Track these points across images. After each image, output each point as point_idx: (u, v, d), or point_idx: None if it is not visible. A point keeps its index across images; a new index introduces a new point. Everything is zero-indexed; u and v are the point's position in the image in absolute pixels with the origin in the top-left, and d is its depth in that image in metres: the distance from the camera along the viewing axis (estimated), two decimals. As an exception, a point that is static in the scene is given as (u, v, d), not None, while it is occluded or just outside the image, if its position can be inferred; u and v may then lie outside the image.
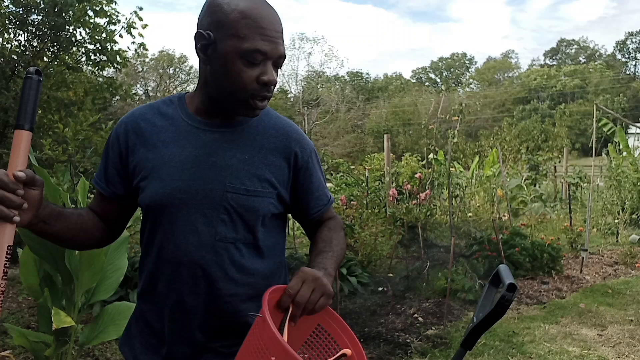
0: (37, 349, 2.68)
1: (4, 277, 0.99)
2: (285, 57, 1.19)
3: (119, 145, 1.23)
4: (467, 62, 56.63)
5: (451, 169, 7.06)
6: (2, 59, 7.13)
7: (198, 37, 1.15)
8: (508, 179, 10.38)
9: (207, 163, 1.18)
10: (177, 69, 37.61)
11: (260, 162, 1.21)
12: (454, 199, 7.50)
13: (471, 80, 54.38)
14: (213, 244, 1.17)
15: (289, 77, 43.45)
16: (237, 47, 1.11)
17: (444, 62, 56.74)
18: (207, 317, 1.20)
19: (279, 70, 1.19)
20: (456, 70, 56.49)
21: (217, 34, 1.12)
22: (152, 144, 1.21)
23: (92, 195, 1.36)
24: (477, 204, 9.07)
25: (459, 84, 53.46)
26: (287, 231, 1.41)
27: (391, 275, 5.67)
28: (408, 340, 4.03)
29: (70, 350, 2.67)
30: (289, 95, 43.41)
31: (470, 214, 7.89)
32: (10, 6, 7.20)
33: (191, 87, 39.95)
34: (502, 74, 54.82)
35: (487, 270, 5.58)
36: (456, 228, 6.61)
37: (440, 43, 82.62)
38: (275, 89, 1.21)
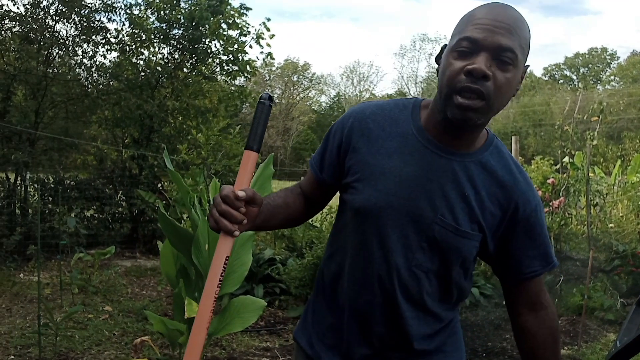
0: (172, 336, 2.92)
1: (219, 285, 1.07)
2: (511, 50, 1.02)
3: (342, 137, 1.22)
4: (607, 57, 51.49)
5: (590, 174, 6.44)
6: (148, 70, 7.94)
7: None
8: (658, 187, 9.20)
9: (425, 187, 1.13)
10: (301, 76, 39.03)
11: (477, 203, 1.13)
12: (592, 207, 6.83)
13: (612, 77, 49.32)
14: (409, 267, 1.15)
15: (408, 80, 42.92)
16: (452, 43, 1.07)
17: (581, 58, 52.20)
18: (387, 330, 1.20)
19: (507, 69, 1.04)
20: (595, 67, 51.61)
21: (449, 41, 1.12)
22: (375, 149, 1.17)
23: None
24: (620, 214, 8.18)
25: (599, 82, 48.81)
26: None
27: (518, 287, 5.32)
28: None
29: (200, 340, 2.86)
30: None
31: (611, 225, 7.13)
32: (155, 22, 7.99)
33: (312, 93, 41.18)
34: (651, 69, 49.03)
35: (631, 288, 5.00)
36: (595, 240, 6.01)
37: (576, 38, 75.98)
38: (496, 93, 1.03)
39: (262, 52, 8.65)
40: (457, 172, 1.13)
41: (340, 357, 1.23)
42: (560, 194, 6.54)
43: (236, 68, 8.31)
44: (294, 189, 1.33)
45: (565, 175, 6.71)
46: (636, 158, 10.46)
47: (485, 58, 1.02)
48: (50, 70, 7.43)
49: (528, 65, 1.14)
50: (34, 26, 7.02)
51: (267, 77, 35.15)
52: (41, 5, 7.09)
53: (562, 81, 50.35)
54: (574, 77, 51.73)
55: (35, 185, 7.06)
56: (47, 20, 7.21)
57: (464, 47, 1.04)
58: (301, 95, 38.75)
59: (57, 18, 7.21)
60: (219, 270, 1.06)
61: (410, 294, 1.16)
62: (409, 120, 1.17)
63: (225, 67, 8.38)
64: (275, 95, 36.47)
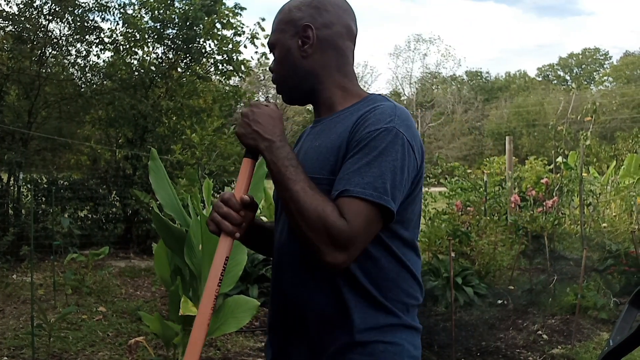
0: (166, 336, 2.91)
1: (219, 284, 1.12)
2: (270, 43, 1.27)
3: None
4: (601, 58, 51.74)
5: (584, 174, 6.46)
6: (142, 70, 7.91)
7: None
8: (651, 187, 9.26)
9: (303, 156, 1.22)
10: (295, 76, 38.95)
11: (325, 148, 1.15)
12: (586, 207, 6.86)
13: (605, 77, 49.55)
14: (289, 230, 1.18)
15: (403, 80, 42.98)
16: None
17: (575, 58, 52.42)
18: (286, 303, 1.20)
19: (274, 54, 1.26)
20: (588, 67, 51.83)
21: None
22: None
23: (219, 195, 1.50)
24: (613, 214, 8.23)
25: (592, 82, 49.04)
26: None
27: (512, 287, 5.34)
28: (530, 359, 3.76)
29: (195, 340, 2.86)
30: (402, 98, 42.93)
31: (604, 225, 7.18)
32: (150, 22, 7.96)
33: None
34: (644, 69, 49.21)
35: (623, 287, 5.04)
36: (588, 239, 6.04)
37: (570, 38, 76.30)
38: (278, 77, 1.26)
39: (256, 52, 8.70)
40: (320, 131, 1.22)
41: (273, 350, 1.26)
42: (554, 194, 6.58)
43: (230, 68, 8.29)
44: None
45: (558, 175, 6.75)
46: (629, 158, 10.53)
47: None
48: (44, 70, 7.39)
49: (303, 25, 1.21)
50: (27, 25, 6.97)
51: (262, 77, 35.10)
52: (34, 4, 7.05)
53: (555, 81, 50.57)
54: (568, 78, 51.99)
55: (29, 186, 7.02)
56: (40, 20, 7.17)
57: None
58: (296, 95, 38.70)
59: (50, 17, 7.17)
60: (219, 271, 1.11)
61: (293, 257, 1.16)
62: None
63: (220, 67, 8.36)
64: (270, 96, 36.43)
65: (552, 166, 7.59)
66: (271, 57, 1.30)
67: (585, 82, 47.12)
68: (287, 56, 1.23)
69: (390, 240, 1.12)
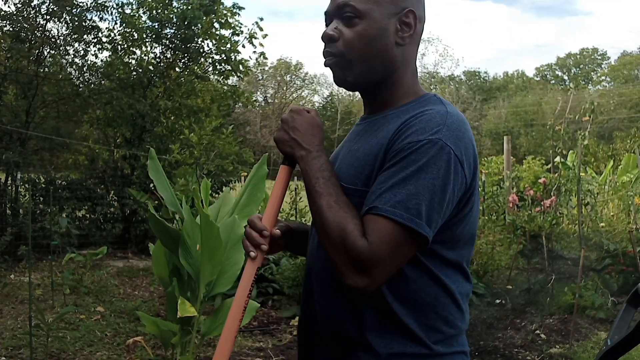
0: (165, 336, 2.91)
1: (249, 295, 1.09)
2: (346, 4, 1.05)
3: None
4: (598, 57, 51.79)
5: (582, 174, 6.48)
6: (140, 70, 7.90)
7: None
8: (648, 186, 9.28)
9: (337, 159, 1.15)
10: (294, 76, 38.99)
11: (362, 154, 1.05)
12: (583, 207, 6.87)
13: (603, 77, 49.63)
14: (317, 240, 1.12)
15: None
16: None
17: (572, 58, 52.47)
18: (308, 313, 1.15)
19: (354, 22, 1.05)
20: (586, 67, 51.89)
21: None
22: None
23: (217, 195, 1.45)
24: (611, 213, 8.25)
25: (590, 82, 49.12)
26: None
27: (510, 287, 5.35)
28: (529, 358, 3.76)
29: (193, 340, 2.86)
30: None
31: (602, 224, 7.20)
32: (148, 21, 7.96)
33: (305, 93, 41.17)
34: (641, 69, 49.32)
35: (621, 287, 5.05)
36: (586, 239, 6.05)
37: (568, 38, 76.48)
38: (351, 52, 1.06)
39: (255, 52, 8.66)
40: (361, 132, 1.12)
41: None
42: (552, 194, 6.58)
43: (229, 67, 8.29)
44: None
45: (556, 175, 6.75)
46: (626, 158, 10.56)
47: (333, 23, 1.09)
48: (42, 70, 7.38)
49: (406, 9, 1.07)
50: (24, 25, 6.96)
51: (260, 77, 35.11)
52: (32, 4, 7.04)
53: (553, 81, 50.63)
54: (566, 78, 52.05)
55: (26, 186, 7.00)
56: (38, 19, 7.15)
57: (325, 22, 1.12)
58: (294, 95, 38.72)
59: (48, 17, 7.16)
60: (249, 283, 1.08)
61: (320, 270, 1.09)
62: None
63: (218, 67, 8.36)
64: (269, 95, 36.43)
65: (550, 166, 7.60)
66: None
67: (583, 82, 47.21)
68: (379, 36, 1.05)
69: (428, 260, 1.01)
